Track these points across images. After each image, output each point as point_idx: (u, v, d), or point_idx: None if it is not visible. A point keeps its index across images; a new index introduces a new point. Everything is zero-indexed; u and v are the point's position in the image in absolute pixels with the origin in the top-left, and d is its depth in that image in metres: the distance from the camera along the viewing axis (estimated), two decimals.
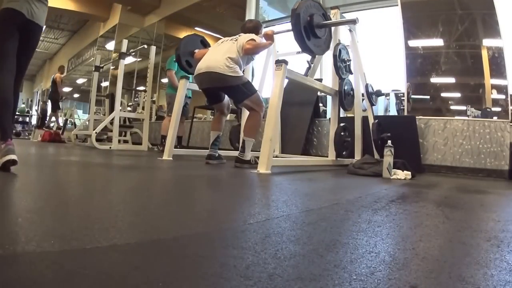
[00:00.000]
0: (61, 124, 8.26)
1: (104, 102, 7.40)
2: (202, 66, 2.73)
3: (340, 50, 3.19)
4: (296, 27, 2.32)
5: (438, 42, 3.90)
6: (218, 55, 2.70)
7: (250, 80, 3.33)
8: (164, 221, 0.91)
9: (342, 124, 3.30)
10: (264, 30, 3.09)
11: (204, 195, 1.48)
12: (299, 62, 3.28)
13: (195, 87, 3.28)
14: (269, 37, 2.77)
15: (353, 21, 2.82)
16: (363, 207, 1.26)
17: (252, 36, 2.72)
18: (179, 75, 4.13)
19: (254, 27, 2.94)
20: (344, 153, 3.37)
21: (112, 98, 5.85)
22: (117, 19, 9.69)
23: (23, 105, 12.76)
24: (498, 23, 3.50)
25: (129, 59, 7.34)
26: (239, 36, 2.80)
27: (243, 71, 2.81)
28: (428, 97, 3.95)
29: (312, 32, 2.43)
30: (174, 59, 4.50)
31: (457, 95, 3.92)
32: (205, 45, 3.40)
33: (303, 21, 2.38)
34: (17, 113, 10.57)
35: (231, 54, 2.65)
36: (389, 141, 2.67)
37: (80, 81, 14.96)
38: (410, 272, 0.59)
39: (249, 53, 2.67)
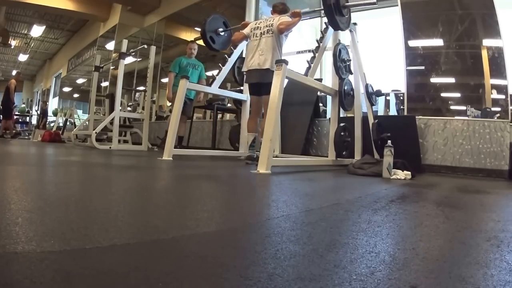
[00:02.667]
0: (15, 131, 8.44)
1: (104, 102, 7.40)
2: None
3: (340, 50, 3.19)
4: (327, 1, 2.67)
5: (438, 42, 3.90)
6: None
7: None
8: (164, 221, 0.91)
9: (342, 124, 3.30)
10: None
11: (204, 195, 1.48)
12: (299, 62, 3.28)
13: (196, 87, 3.32)
14: (297, 14, 3.11)
15: (373, 3, 3.04)
16: (363, 207, 1.26)
17: (283, 17, 3.16)
18: (178, 78, 4.13)
19: (284, 9, 3.34)
20: (344, 153, 3.37)
21: (112, 98, 5.85)
22: (117, 19, 9.68)
23: (23, 105, 12.74)
24: (498, 23, 3.50)
25: (129, 59, 7.32)
26: (272, 20, 3.17)
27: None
28: (423, 67, 3.96)
29: (339, 9, 2.77)
30: (177, 62, 4.56)
31: (457, 95, 3.92)
32: (226, 26, 3.85)
33: None
34: (17, 113, 10.60)
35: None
36: (389, 141, 2.67)
37: (80, 81, 14.96)
38: (410, 272, 0.59)
39: (283, 32, 3.11)
